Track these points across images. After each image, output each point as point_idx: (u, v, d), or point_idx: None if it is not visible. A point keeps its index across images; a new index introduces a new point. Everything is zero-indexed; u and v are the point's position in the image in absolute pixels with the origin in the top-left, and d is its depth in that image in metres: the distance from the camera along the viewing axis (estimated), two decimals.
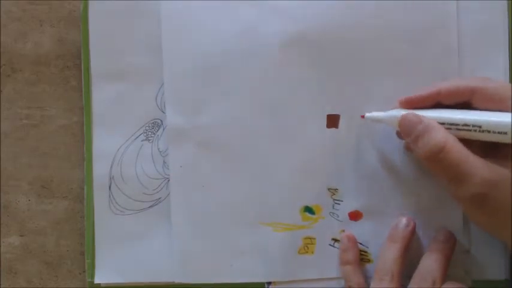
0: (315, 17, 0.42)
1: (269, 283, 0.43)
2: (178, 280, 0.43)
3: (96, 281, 0.44)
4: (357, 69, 0.42)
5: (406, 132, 0.37)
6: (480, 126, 0.35)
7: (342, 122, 0.43)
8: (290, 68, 0.43)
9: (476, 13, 0.42)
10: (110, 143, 0.44)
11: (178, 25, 0.43)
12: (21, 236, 0.46)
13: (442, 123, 0.36)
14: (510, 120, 0.34)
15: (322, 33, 0.42)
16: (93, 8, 0.44)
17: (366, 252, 0.43)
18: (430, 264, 0.39)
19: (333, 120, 0.43)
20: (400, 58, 0.42)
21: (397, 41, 0.42)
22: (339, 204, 0.43)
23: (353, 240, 0.42)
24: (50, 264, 0.46)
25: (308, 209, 0.43)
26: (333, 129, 0.43)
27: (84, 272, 0.45)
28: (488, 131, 0.35)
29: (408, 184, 0.42)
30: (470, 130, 0.35)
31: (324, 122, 0.43)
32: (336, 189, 0.43)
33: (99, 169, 0.44)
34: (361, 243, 0.43)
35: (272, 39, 0.42)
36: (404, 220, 0.41)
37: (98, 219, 0.44)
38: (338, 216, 0.43)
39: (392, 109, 0.40)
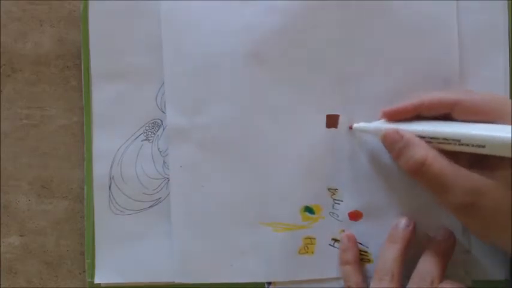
0: (315, 16, 0.42)
1: (269, 283, 0.43)
2: (178, 280, 0.43)
3: (96, 281, 0.44)
4: (357, 69, 0.42)
5: (389, 148, 0.39)
6: (459, 140, 0.36)
7: (341, 122, 0.43)
8: (290, 68, 0.43)
9: (476, 13, 0.42)
10: (110, 143, 0.44)
11: (178, 25, 0.43)
12: (21, 236, 0.46)
13: (423, 137, 0.37)
14: (487, 133, 0.35)
15: (322, 33, 0.42)
16: (93, 8, 0.44)
17: (366, 252, 0.43)
18: (428, 264, 0.39)
19: (332, 120, 0.43)
20: (400, 58, 0.42)
21: (397, 41, 0.42)
22: (338, 204, 0.43)
23: (353, 240, 0.42)
24: (50, 264, 0.46)
25: (308, 209, 0.43)
26: (332, 129, 0.43)
27: (84, 272, 0.45)
28: (467, 145, 0.35)
29: (408, 184, 0.42)
30: (450, 143, 0.36)
31: (324, 122, 0.43)
32: (335, 189, 0.43)
33: (99, 169, 0.44)
34: (361, 243, 0.43)
35: (272, 39, 0.42)
36: (404, 220, 0.41)
37: (98, 219, 0.44)
38: (338, 216, 0.43)
39: (377, 120, 0.41)
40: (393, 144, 0.38)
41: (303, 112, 0.43)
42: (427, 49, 0.42)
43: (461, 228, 0.42)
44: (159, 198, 0.44)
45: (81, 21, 0.44)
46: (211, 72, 0.43)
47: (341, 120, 0.43)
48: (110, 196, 0.44)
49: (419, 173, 0.36)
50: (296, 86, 0.43)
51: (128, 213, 0.44)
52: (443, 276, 0.39)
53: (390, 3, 0.42)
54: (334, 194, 0.43)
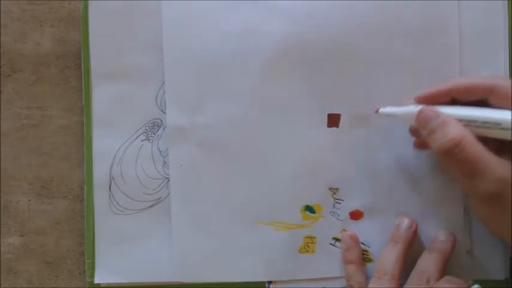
0: (315, 16, 0.42)
1: (270, 282, 0.43)
2: (178, 279, 0.43)
3: (96, 281, 0.44)
4: (358, 69, 0.42)
5: (423, 125, 0.37)
6: (500, 124, 0.35)
7: (342, 121, 0.43)
8: (290, 67, 0.43)
9: (476, 13, 0.42)
10: (110, 143, 0.44)
11: (179, 24, 0.43)
12: (21, 236, 0.46)
13: (460, 120, 0.36)
14: None
15: (322, 33, 0.42)
16: (93, 8, 0.44)
17: (366, 251, 0.43)
18: (427, 263, 0.39)
19: (333, 120, 0.43)
20: (401, 58, 0.42)
21: (398, 40, 0.42)
22: (339, 203, 0.43)
23: (355, 239, 0.42)
24: (50, 264, 0.46)
25: (309, 208, 0.43)
26: (333, 129, 0.43)
27: (84, 272, 0.45)
28: (507, 129, 0.34)
29: (409, 184, 0.42)
30: (489, 128, 0.35)
31: (325, 121, 0.43)
32: (336, 189, 0.43)
33: (99, 169, 0.44)
34: (362, 243, 0.43)
35: (272, 39, 0.42)
36: (406, 221, 0.41)
37: (98, 219, 0.44)
38: (339, 216, 0.43)
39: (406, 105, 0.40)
40: (427, 122, 0.36)
41: (304, 111, 0.43)
42: (429, 49, 0.42)
43: (461, 228, 0.42)
44: (159, 198, 0.44)
45: (81, 21, 0.44)
46: (211, 72, 0.43)
47: (342, 119, 0.43)
48: (110, 196, 0.44)
49: (451, 154, 0.35)
50: (297, 85, 0.43)
51: (128, 213, 0.44)
52: (442, 275, 0.39)
53: (392, 4, 0.42)
54: (335, 193, 0.43)
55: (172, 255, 0.43)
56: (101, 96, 0.44)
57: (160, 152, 0.44)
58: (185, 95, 0.43)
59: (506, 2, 0.42)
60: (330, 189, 0.43)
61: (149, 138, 0.44)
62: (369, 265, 0.43)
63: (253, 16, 0.43)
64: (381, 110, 0.40)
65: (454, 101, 0.38)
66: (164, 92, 0.43)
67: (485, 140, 0.35)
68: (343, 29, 0.42)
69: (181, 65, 0.43)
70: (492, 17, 0.42)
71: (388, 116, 0.40)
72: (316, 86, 0.43)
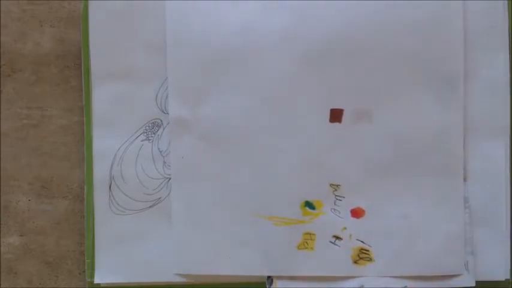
0: (318, 12, 0.42)
1: (271, 282, 0.43)
2: (176, 271, 0.44)
3: (96, 281, 0.44)
4: (361, 65, 0.42)
5: None
6: None
7: (345, 117, 0.43)
8: (293, 62, 0.43)
9: (477, 13, 0.42)
10: (110, 143, 0.44)
11: (183, 20, 0.43)
12: (21, 236, 0.46)
13: None
14: None
15: (326, 28, 0.42)
16: (93, 8, 0.44)
17: (367, 250, 0.43)
18: None
19: (336, 115, 0.43)
20: (405, 54, 0.42)
21: (401, 37, 0.42)
22: (340, 200, 0.43)
23: None
24: (50, 264, 0.46)
25: (309, 204, 0.43)
26: (336, 124, 0.43)
27: (84, 272, 0.45)
28: None
29: (410, 183, 0.42)
30: None
31: (327, 116, 0.43)
32: (338, 185, 0.43)
33: (99, 169, 0.44)
34: (362, 242, 0.43)
35: (275, 35, 0.42)
36: None
37: (98, 219, 0.44)
38: (339, 213, 0.43)
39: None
40: None
41: (306, 106, 0.43)
42: (432, 47, 0.42)
43: (463, 229, 0.42)
44: (159, 198, 0.44)
45: (81, 21, 0.44)
46: (213, 65, 0.43)
47: (345, 114, 0.43)
48: (110, 196, 0.44)
49: None
50: (299, 80, 0.43)
51: (128, 213, 0.44)
52: None
53: (395, 3, 0.42)
54: (336, 189, 0.43)
55: (173, 251, 0.44)
56: (101, 96, 0.44)
57: (161, 152, 0.44)
58: (187, 88, 0.43)
59: (506, 2, 0.42)
60: (331, 185, 0.43)
61: (149, 138, 0.44)
62: (369, 265, 0.43)
63: (257, 11, 0.43)
64: None
65: None
66: (164, 92, 0.43)
67: None
68: (347, 25, 0.42)
69: (184, 59, 0.43)
70: (492, 17, 0.42)
71: None
72: (318, 81, 0.43)
